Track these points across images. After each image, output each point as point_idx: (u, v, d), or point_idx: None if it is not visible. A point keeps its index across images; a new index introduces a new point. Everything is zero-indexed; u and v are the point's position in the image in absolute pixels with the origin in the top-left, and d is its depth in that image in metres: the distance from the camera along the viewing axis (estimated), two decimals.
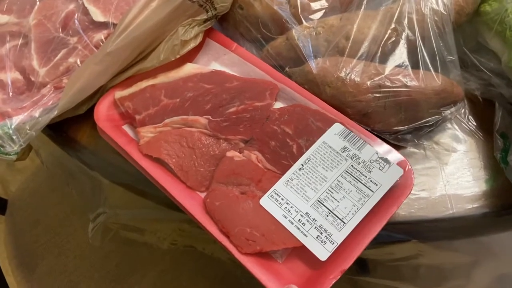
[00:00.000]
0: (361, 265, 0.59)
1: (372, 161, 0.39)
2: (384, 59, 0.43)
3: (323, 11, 0.47)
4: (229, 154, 0.42)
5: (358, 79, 0.41)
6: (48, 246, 0.96)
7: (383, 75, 0.41)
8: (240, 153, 0.42)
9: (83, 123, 0.51)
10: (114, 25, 0.49)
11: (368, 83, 0.41)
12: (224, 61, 0.49)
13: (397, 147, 0.42)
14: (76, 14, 0.50)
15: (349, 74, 0.42)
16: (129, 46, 0.45)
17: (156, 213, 0.47)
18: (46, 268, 0.94)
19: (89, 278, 0.88)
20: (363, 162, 0.39)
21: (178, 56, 0.46)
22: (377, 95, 0.41)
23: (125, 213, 0.49)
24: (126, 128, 0.47)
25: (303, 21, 0.47)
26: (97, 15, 0.49)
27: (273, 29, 0.49)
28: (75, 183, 0.52)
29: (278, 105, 0.45)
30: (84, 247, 0.85)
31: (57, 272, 0.93)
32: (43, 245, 0.96)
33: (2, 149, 0.46)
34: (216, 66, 0.49)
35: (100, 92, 0.49)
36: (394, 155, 0.40)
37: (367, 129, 0.42)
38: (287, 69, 0.47)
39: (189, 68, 0.48)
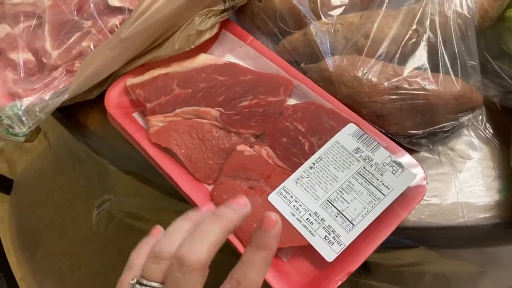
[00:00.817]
0: (363, 266, 0.58)
1: (385, 164, 0.38)
2: (403, 60, 0.42)
3: (343, 7, 0.46)
4: (240, 148, 0.41)
5: (375, 80, 0.40)
6: (51, 228, 0.96)
7: (401, 77, 0.40)
8: (251, 148, 0.41)
9: (93, 108, 0.51)
10: (130, 10, 0.49)
11: (385, 84, 0.40)
12: (239, 54, 0.48)
13: (410, 151, 0.42)
14: None
15: (366, 74, 0.41)
16: (143, 33, 0.45)
17: (162, 202, 0.47)
18: (47, 250, 0.95)
19: (90, 263, 0.88)
20: (375, 165, 0.38)
21: (193, 46, 0.46)
22: (394, 97, 0.40)
23: (130, 201, 0.49)
24: (136, 115, 0.47)
25: (322, 16, 0.46)
26: (113, 0, 0.48)
27: (291, 23, 0.48)
28: (82, 168, 0.52)
29: (291, 101, 0.44)
30: (87, 232, 0.86)
31: (59, 254, 0.94)
32: (46, 227, 0.97)
33: (11, 130, 0.46)
34: (230, 58, 0.49)
35: (112, 78, 0.48)
36: (408, 160, 0.39)
37: (381, 131, 0.41)
38: (302, 65, 0.46)
39: (203, 59, 0.47)
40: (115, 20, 0.49)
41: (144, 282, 0.26)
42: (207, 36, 0.47)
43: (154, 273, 0.26)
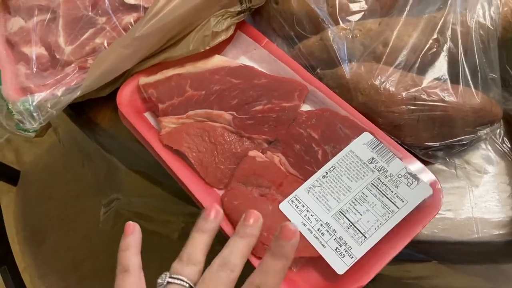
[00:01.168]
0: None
1: (400, 176, 0.37)
2: (422, 70, 0.41)
3: (362, 13, 0.45)
4: (252, 153, 0.40)
5: (393, 89, 0.40)
6: (56, 222, 0.96)
7: (419, 87, 0.39)
8: (263, 154, 0.41)
9: (104, 105, 0.51)
10: (145, 8, 0.48)
11: (403, 94, 0.39)
12: (253, 56, 0.48)
13: (425, 163, 0.41)
14: None
15: (384, 83, 0.40)
16: (158, 32, 0.44)
17: (170, 204, 0.46)
18: (52, 244, 0.95)
19: (94, 258, 0.88)
20: (390, 176, 0.37)
21: (207, 48, 0.45)
22: (412, 107, 0.39)
23: (139, 201, 0.48)
24: (147, 115, 0.46)
25: (340, 22, 0.45)
26: None
27: (308, 27, 0.47)
28: (91, 165, 0.51)
29: (306, 107, 0.44)
30: (92, 228, 0.85)
31: (63, 248, 0.94)
32: (51, 221, 0.97)
33: (21, 125, 0.46)
34: (245, 60, 0.48)
35: (124, 76, 0.48)
36: (424, 172, 0.38)
37: (397, 142, 0.40)
38: (318, 70, 0.45)
39: (217, 60, 0.46)
40: (130, 18, 0.48)
41: (176, 276, 0.30)
42: (222, 37, 0.46)
43: (186, 273, 0.30)
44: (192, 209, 0.45)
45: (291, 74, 0.45)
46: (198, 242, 0.32)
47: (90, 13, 0.49)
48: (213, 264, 0.30)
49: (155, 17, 0.44)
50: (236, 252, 0.31)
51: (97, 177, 0.50)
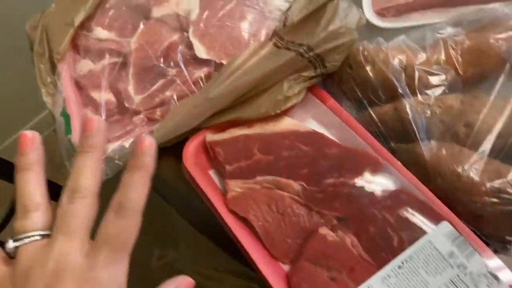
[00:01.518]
0: None
1: (480, 275, 0.36)
2: (509, 158, 0.39)
3: (442, 87, 0.44)
4: (322, 231, 0.39)
5: (477, 178, 0.38)
6: None
7: (505, 179, 0.37)
8: (333, 232, 0.39)
9: (167, 154, 0.50)
10: (216, 64, 0.48)
11: (488, 185, 0.38)
12: (322, 120, 0.47)
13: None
14: (180, 47, 0.49)
15: (468, 170, 0.38)
16: (231, 93, 0.44)
17: (228, 265, 0.46)
18: None
19: None
20: (470, 274, 0.36)
21: (278, 111, 0.44)
22: (495, 200, 0.37)
23: (193, 256, 0.48)
24: (212, 173, 0.46)
25: (418, 94, 0.44)
26: (201, 52, 0.48)
27: (382, 95, 0.46)
28: (146, 212, 0.51)
29: (378, 183, 0.42)
30: (141, 272, 0.85)
31: None
32: None
33: None
34: (313, 124, 0.47)
35: (191, 130, 0.47)
36: (503, 271, 0.36)
37: (474, 232, 0.38)
38: (393, 144, 0.44)
39: (286, 123, 0.45)
40: (201, 72, 0.48)
41: (20, 236, 0.26)
42: (294, 101, 0.45)
43: (29, 225, 0.27)
44: (248, 272, 0.44)
45: (363, 145, 0.44)
46: (25, 183, 0.27)
47: (161, 64, 0.49)
48: (61, 197, 0.27)
49: (228, 78, 0.44)
50: (83, 172, 0.27)
51: (151, 225, 0.49)
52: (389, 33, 0.52)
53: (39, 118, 1.28)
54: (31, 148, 0.28)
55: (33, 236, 0.26)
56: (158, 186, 0.50)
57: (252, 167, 0.43)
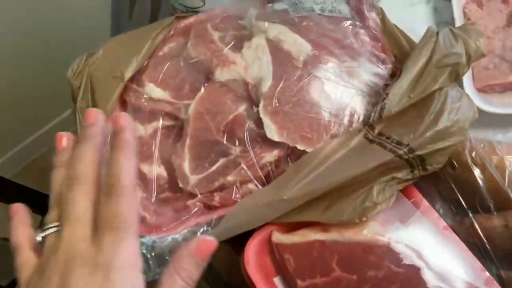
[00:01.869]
0: None
1: None
2: None
3: None
4: None
5: None
6: None
7: None
8: None
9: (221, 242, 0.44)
10: (289, 148, 0.41)
11: None
12: (414, 229, 0.39)
13: None
14: (247, 123, 0.42)
15: None
16: (310, 195, 0.37)
17: None
18: None
19: None
20: None
21: (364, 219, 0.37)
22: None
23: None
24: (278, 281, 0.39)
25: None
26: (272, 132, 0.40)
27: (490, 204, 0.38)
28: None
29: None
30: None
31: None
32: None
33: None
34: (401, 230, 0.39)
35: None
36: None
37: None
38: (503, 274, 0.36)
39: (371, 232, 0.38)
40: (271, 157, 0.41)
41: (43, 228, 0.28)
42: (383, 207, 0.37)
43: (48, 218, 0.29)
44: None
45: (463, 268, 0.36)
46: (55, 183, 0.30)
47: (224, 141, 0.42)
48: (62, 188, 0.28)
49: (308, 177, 0.37)
50: (82, 159, 0.28)
51: None
52: (494, 116, 0.44)
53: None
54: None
55: (51, 227, 0.27)
56: (210, 279, 0.44)
57: (330, 287, 0.36)
